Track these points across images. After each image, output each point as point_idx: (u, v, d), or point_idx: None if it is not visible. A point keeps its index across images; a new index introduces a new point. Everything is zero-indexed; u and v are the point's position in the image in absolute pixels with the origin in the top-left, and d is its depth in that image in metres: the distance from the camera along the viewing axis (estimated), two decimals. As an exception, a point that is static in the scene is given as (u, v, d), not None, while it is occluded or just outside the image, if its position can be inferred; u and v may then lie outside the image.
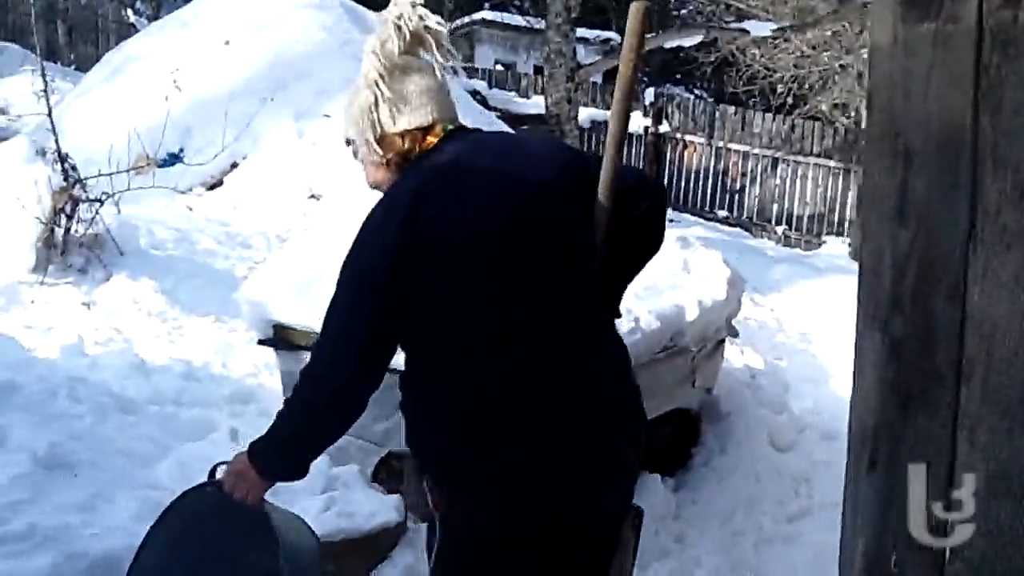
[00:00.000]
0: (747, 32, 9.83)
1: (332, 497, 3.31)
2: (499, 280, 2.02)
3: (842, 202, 12.71)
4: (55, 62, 16.56)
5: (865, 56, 16.43)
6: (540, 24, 19.49)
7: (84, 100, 9.40)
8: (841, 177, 12.76)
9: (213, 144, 7.63)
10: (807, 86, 17.49)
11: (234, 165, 8.78)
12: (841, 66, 17.44)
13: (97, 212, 5.44)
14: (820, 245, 12.54)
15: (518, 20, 22.88)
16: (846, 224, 12.61)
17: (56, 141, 5.31)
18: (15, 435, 3.13)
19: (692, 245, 4.25)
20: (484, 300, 2.00)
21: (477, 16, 22.98)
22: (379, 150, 2.16)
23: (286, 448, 2.21)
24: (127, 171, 5.78)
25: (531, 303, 2.02)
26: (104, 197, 5.52)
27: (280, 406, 2.29)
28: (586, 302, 2.09)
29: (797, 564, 4.03)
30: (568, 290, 2.06)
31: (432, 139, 2.15)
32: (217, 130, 7.65)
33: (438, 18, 2.20)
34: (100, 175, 5.65)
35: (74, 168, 5.46)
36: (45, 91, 5.37)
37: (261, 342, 4.02)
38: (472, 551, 2.00)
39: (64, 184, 5.26)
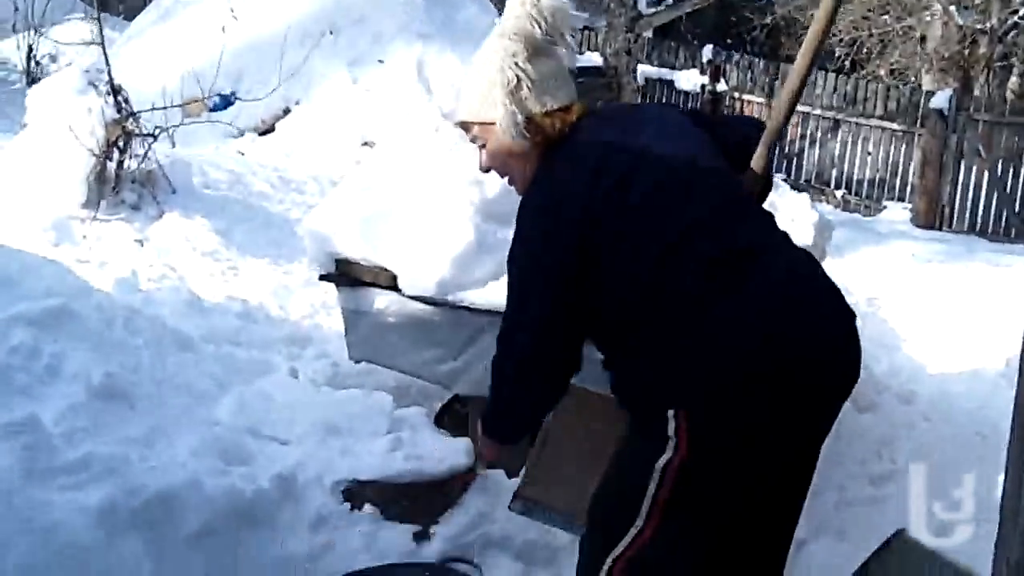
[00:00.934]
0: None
1: (399, 439, 3.13)
2: (699, 215, 2.06)
3: (904, 167, 12.27)
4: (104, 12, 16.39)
5: (927, 18, 16.06)
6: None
7: (135, 43, 9.26)
8: (904, 141, 12.32)
9: (265, 87, 7.46)
10: (865, 50, 17.06)
11: (286, 111, 8.62)
12: (902, 30, 17.00)
13: (150, 147, 5.28)
14: (880, 211, 12.15)
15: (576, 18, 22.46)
16: (908, 189, 12.20)
17: (109, 73, 5.13)
18: (70, 363, 2.97)
19: (780, 187, 4.00)
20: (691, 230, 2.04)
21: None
22: (526, 133, 2.17)
23: (507, 424, 2.43)
24: (181, 105, 5.60)
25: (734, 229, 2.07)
26: (157, 131, 5.35)
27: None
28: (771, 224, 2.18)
29: (881, 527, 3.81)
30: (753, 219, 2.15)
31: (571, 118, 2.19)
32: (269, 74, 7.48)
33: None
34: (153, 108, 5.48)
35: (127, 101, 5.29)
36: (98, 18, 5.18)
37: (323, 277, 3.83)
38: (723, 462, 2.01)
39: (117, 116, 5.10)
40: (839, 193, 12.80)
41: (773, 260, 2.05)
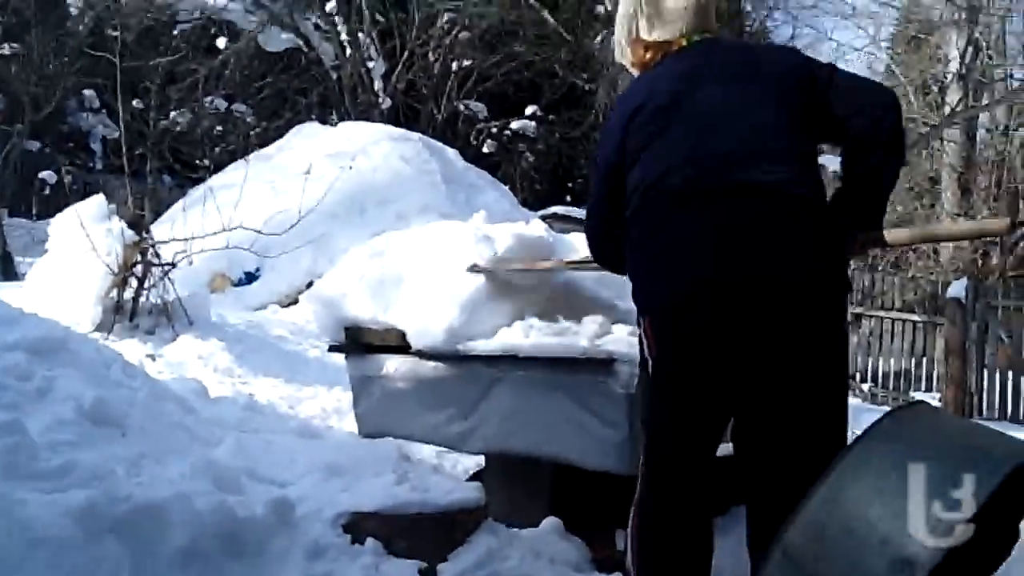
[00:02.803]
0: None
1: (404, 474, 2.94)
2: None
3: (929, 356, 12.16)
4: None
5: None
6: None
7: (163, 227, 9.52)
8: (926, 331, 12.28)
9: (292, 262, 7.58)
10: (880, 267, 17.32)
11: (309, 284, 8.70)
12: (912, 249, 17.36)
13: (167, 274, 5.30)
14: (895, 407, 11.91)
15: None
16: (934, 378, 12.04)
17: (130, 202, 5.24)
18: (62, 386, 2.85)
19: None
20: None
21: (549, 210, 23.40)
22: (629, 55, 2.55)
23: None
24: (203, 236, 5.67)
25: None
26: (177, 258, 5.39)
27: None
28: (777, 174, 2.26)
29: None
30: (757, 167, 2.23)
31: (672, 49, 2.43)
32: (295, 249, 7.63)
33: None
34: (174, 240, 5.55)
35: (147, 230, 5.37)
36: (123, 167, 5.34)
37: (332, 348, 3.75)
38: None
39: (137, 239, 5.15)
40: (866, 387, 12.62)
41: (746, 203, 2.19)
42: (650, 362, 2.30)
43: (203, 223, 6.69)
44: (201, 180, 12.59)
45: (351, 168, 8.37)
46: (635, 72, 2.57)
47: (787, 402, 2.20)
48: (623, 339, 3.14)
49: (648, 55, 2.49)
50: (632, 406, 2.99)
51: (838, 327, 2.28)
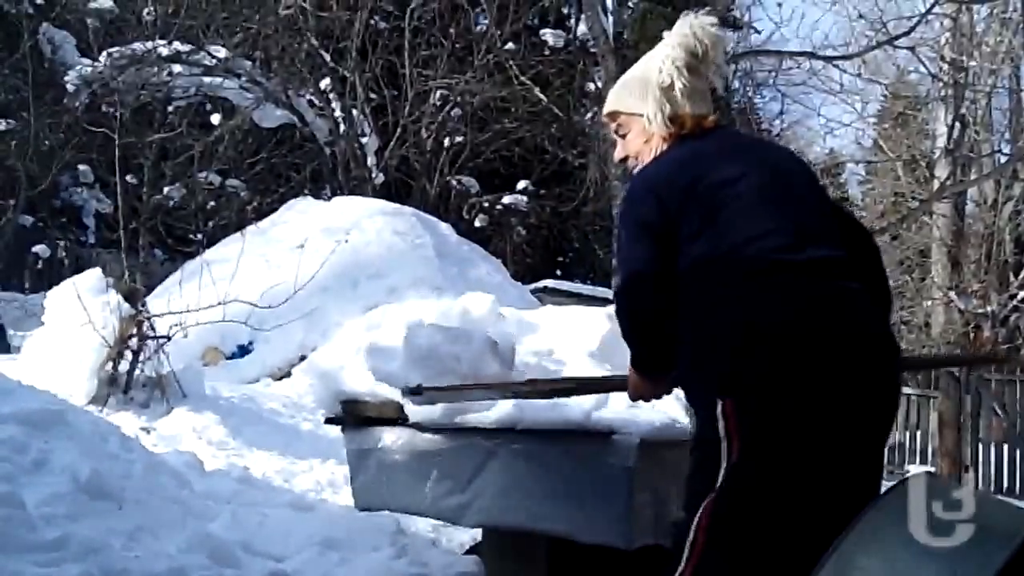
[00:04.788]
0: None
1: (403, 548, 2.92)
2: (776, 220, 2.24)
3: (923, 430, 12.17)
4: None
5: (927, 305, 16.51)
6: (599, 291, 19.91)
7: (157, 300, 9.52)
8: (919, 405, 12.30)
9: (284, 336, 7.58)
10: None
11: (302, 358, 8.69)
12: (906, 317, 17.45)
13: (162, 346, 5.30)
14: (904, 475, 11.89)
15: (580, 288, 23.26)
16: (928, 452, 12.03)
17: (125, 277, 5.26)
18: (58, 459, 2.84)
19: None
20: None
21: (541, 284, 23.45)
22: (669, 125, 2.45)
23: (643, 359, 2.48)
24: (196, 310, 5.68)
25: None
26: (172, 331, 5.40)
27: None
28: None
29: None
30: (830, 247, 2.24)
31: (708, 124, 2.46)
32: (288, 323, 7.64)
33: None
34: (169, 312, 5.56)
35: (143, 304, 5.38)
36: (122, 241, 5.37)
37: (328, 421, 3.73)
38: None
39: (133, 312, 5.16)
40: (860, 460, 12.58)
41: (828, 282, 2.18)
42: (725, 444, 2.08)
43: (199, 296, 6.72)
44: (194, 255, 12.65)
45: (346, 242, 8.40)
46: (659, 145, 2.50)
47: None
48: (621, 409, 3.15)
49: (686, 128, 2.46)
50: (631, 480, 2.99)
51: None
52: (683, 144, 2.44)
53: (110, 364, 5.15)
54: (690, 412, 2.56)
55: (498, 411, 3.25)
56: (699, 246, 2.24)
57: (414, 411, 3.35)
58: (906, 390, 12.36)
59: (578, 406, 3.11)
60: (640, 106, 2.50)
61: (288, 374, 8.63)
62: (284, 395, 7.12)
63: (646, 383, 2.53)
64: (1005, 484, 11.04)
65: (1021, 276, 15.48)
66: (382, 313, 3.92)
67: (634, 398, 2.59)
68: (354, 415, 3.63)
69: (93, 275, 5.32)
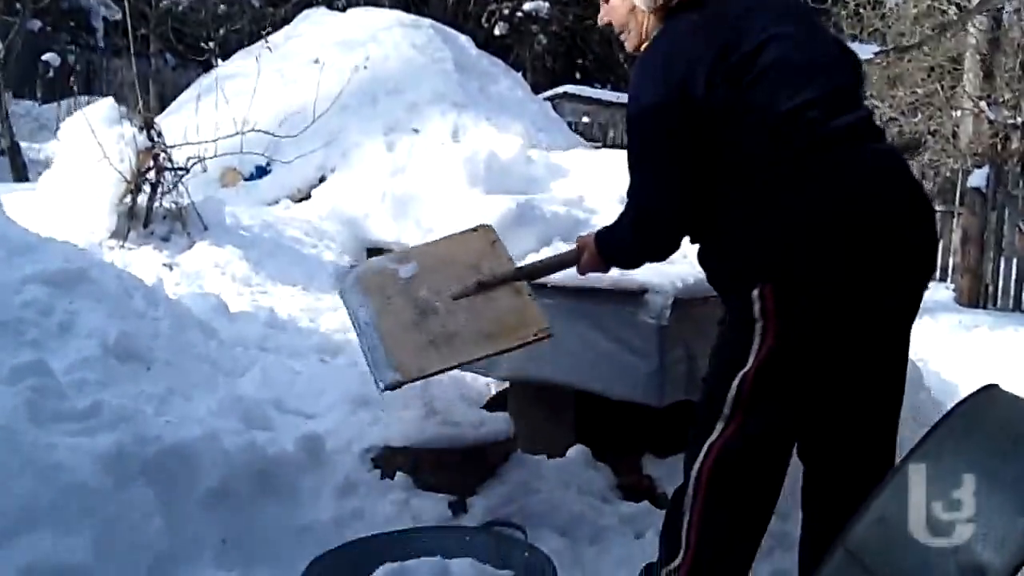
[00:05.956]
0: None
1: (433, 408, 2.91)
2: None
3: (944, 246, 12.06)
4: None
5: (957, 115, 16.08)
6: (619, 98, 19.44)
7: (171, 118, 9.34)
8: (943, 222, 12.15)
9: (302, 157, 7.43)
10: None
11: (322, 179, 8.59)
12: (934, 127, 17.02)
13: (180, 180, 5.20)
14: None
15: (600, 93, 22.73)
16: (949, 269, 11.99)
17: (141, 105, 5.10)
18: (84, 321, 2.81)
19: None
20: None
21: (560, 90, 22.93)
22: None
23: (620, 258, 2.45)
24: (214, 140, 5.54)
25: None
26: (191, 163, 5.29)
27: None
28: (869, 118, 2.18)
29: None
30: (854, 110, 2.12)
31: None
32: (306, 144, 7.47)
33: None
34: (186, 143, 5.43)
35: (160, 135, 5.24)
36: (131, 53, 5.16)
37: (353, 268, 3.69)
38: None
39: (149, 145, 5.04)
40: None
41: (863, 151, 2.08)
42: (759, 323, 2.05)
43: (216, 121, 6.55)
44: (207, 65, 12.32)
45: (365, 68, 8.11)
46: (647, 21, 2.27)
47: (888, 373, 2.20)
48: (653, 267, 3.07)
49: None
50: (663, 338, 2.94)
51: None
52: (682, 15, 2.18)
53: (128, 197, 5.06)
54: None
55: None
56: (736, 130, 2.07)
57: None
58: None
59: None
60: None
61: (308, 196, 8.54)
62: (305, 220, 7.05)
63: (604, 266, 2.50)
64: (1024, 301, 11.08)
65: (1056, 86, 15.04)
66: (407, 151, 3.78)
67: (584, 273, 2.54)
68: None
69: (106, 105, 5.16)
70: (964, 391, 5.30)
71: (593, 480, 3.03)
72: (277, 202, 8.25)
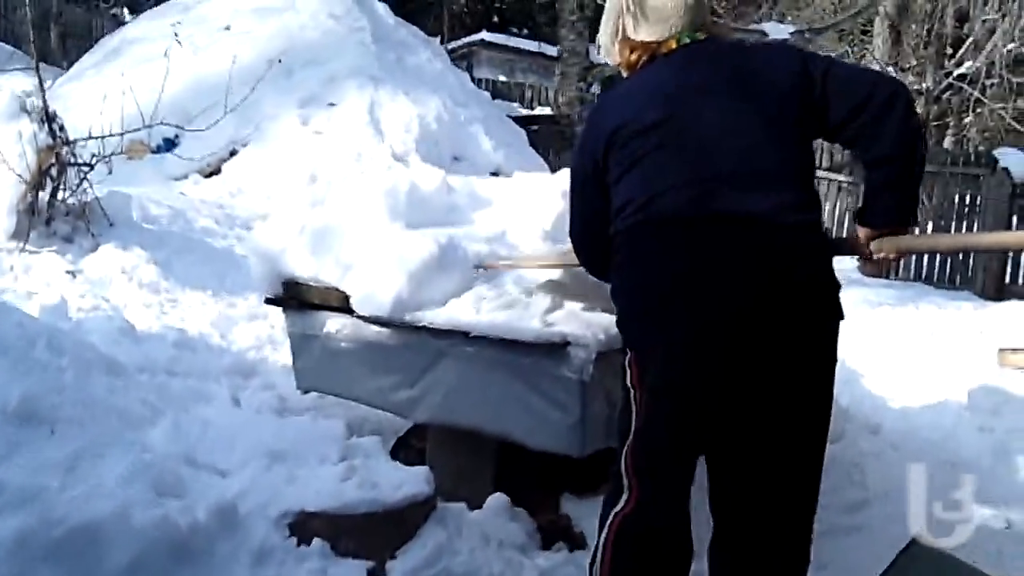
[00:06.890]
0: (766, 34, 9.46)
1: (351, 466, 2.86)
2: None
3: (838, 218, 12.33)
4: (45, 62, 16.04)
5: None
6: (539, 47, 19.28)
7: (74, 84, 8.97)
8: (852, 193, 12.38)
9: (213, 128, 7.20)
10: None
11: (233, 153, 8.36)
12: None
13: (85, 177, 4.99)
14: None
15: (518, 42, 22.54)
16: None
17: (43, 99, 4.86)
18: (-19, 384, 2.66)
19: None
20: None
21: (476, 37, 22.64)
22: (616, 55, 2.40)
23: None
24: (120, 134, 5.32)
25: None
26: (95, 160, 5.07)
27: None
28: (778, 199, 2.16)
29: (859, 555, 3.62)
30: (758, 190, 2.14)
31: (662, 51, 2.29)
32: (216, 115, 7.23)
33: None
34: (90, 137, 5.21)
35: (62, 128, 5.01)
36: (33, 40, 4.91)
37: (268, 301, 3.58)
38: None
39: (51, 143, 4.81)
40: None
41: (739, 232, 2.10)
42: (633, 392, 2.24)
43: (121, 89, 6.27)
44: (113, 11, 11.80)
45: (280, 62, 7.83)
46: (624, 72, 2.43)
47: (780, 421, 2.20)
48: (576, 315, 3.05)
49: (634, 56, 2.35)
50: (585, 392, 2.92)
51: (831, 353, 2.26)
52: (633, 77, 2.35)
53: (30, 195, 4.84)
54: None
55: (450, 312, 3.12)
56: (618, 194, 2.25)
57: (361, 305, 3.21)
58: (838, 177, 12.42)
59: (533, 315, 3.00)
60: (603, 30, 2.43)
61: (218, 171, 8.31)
62: (215, 202, 6.87)
63: None
64: (924, 273, 11.37)
65: (959, 53, 15.37)
66: (326, 186, 3.68)
67: None
68: (297, 299, 3.48)
69: (4, 97, 4.90)
70: (871, 379, 5.40)
71: (514, 533, 3.02)
72: (186, 177, 8.02)
